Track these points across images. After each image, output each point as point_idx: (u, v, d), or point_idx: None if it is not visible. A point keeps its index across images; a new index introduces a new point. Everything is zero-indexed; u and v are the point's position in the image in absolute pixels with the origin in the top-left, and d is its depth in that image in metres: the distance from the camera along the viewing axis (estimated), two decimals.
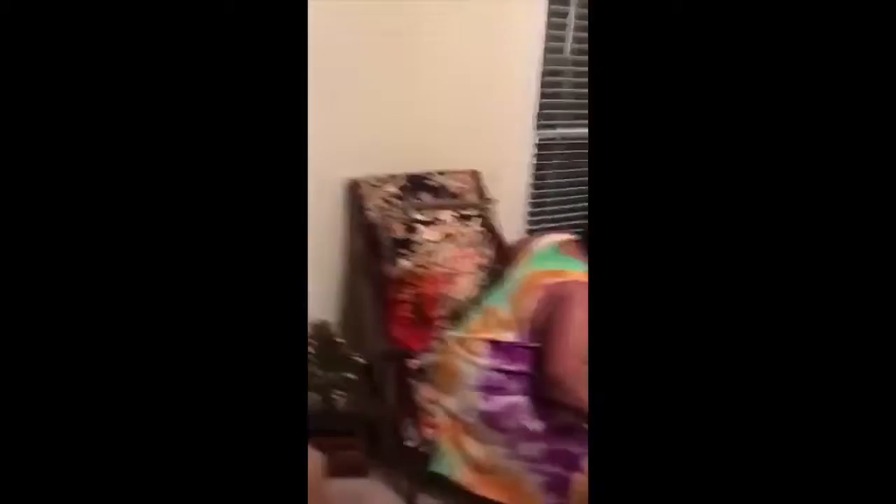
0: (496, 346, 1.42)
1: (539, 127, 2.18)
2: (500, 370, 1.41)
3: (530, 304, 1.37)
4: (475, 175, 2.03)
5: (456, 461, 1.48)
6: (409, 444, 1.50)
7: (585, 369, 1.35)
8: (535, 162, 2.23)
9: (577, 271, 1.37)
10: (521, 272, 1.47)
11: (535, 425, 1.38)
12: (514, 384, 1.41)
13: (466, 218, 1.86)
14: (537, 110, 2.13)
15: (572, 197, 2.40)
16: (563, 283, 1.35)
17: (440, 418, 1.49)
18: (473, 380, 1.43)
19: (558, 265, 1.40)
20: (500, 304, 1.45)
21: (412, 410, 1.53)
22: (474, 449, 1.45)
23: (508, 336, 1.41)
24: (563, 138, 2.30)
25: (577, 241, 1.49)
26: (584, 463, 1.37)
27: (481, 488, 1.46)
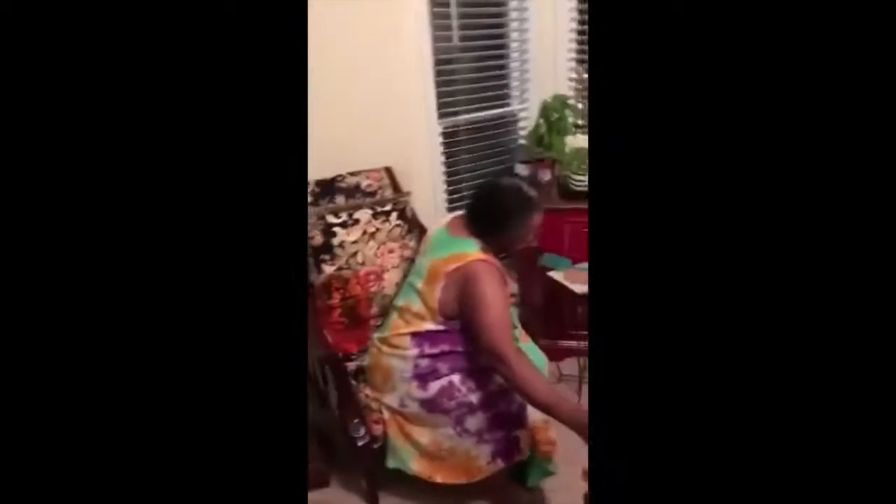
0: (417, 336, 1.45)
1: (441, 116, 2.22)
2: (426, 355, 1.44)
3: (436, 293, 1.40)
4: (388, 171, 2.05)
5: (408, 454, 1.50)
6: (361, 443, 1.51)
7: (511, 335, 1.40)
8: (444, 151, 2.28)
9: (470, 252, 1.39)
10: (422, 263, 1.49)
11: (473, 398, 1.42)
12: (443, 365, 1.45)
13: (384, 214, 1.88)
14: (437, 100, 2.18)
15: (486, 177, 2.46)
16: (461, 267, 1.37)
17: (385, 414, 1.52)
18: (406, 372, 1.45)
19: (451, 250, 1.42)
20: (411, 298, 1.48)
21: (358, 410, 1.55)
22: (423, 437, 1.48)
23: (427, 325, 1.44)
24: (468, 123, 2.36)
25: (461, 218, 1.50)
26: (525, 417, 1.43)
27: (437, 475, 1.49)
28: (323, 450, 1.77)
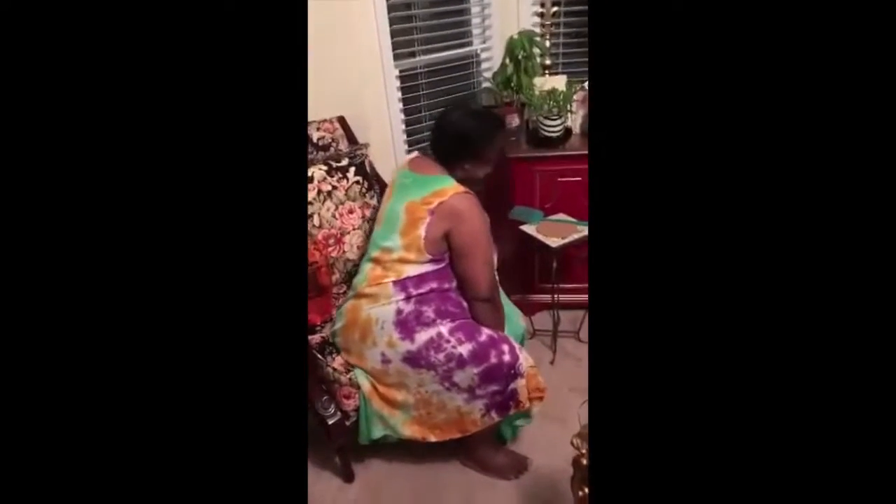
0: (399, 282, 1.37)
1: (397, 58, 2.03)
2: (411, 297, 1.36)
3: (420, 232, 1.34)
4: (341, 121, 1.87)
5: (397, 420, 1.42)
6: (332, 421, 1.41)
7: (493, 267, 1.45)
8: (401, 97, 2.09)
9: (448, 186, 1.36)
10: (393, 209, 1.41)
11: (462, 350, 1.33)
12: (427, 308, 1.36)
13: (341, 170, 1.70)
14: (391, 40, 1.98)
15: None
16: (445, 202, 1.33)
17: (362, 383, 1.41)
18: (388, 321, 1.36)
19: (429, 188, 1.37)
20: (388, 245, 1.39)
21: (327, 386, 1.43)
22: (409, 398, 1.39)
23: (409, 270, 1.36)
24: (425, 65, 2.17)
25: (421, 158, 1.51)
26: (521, 366, 1.36)
27: (431, 435, 1.42)
28: None
